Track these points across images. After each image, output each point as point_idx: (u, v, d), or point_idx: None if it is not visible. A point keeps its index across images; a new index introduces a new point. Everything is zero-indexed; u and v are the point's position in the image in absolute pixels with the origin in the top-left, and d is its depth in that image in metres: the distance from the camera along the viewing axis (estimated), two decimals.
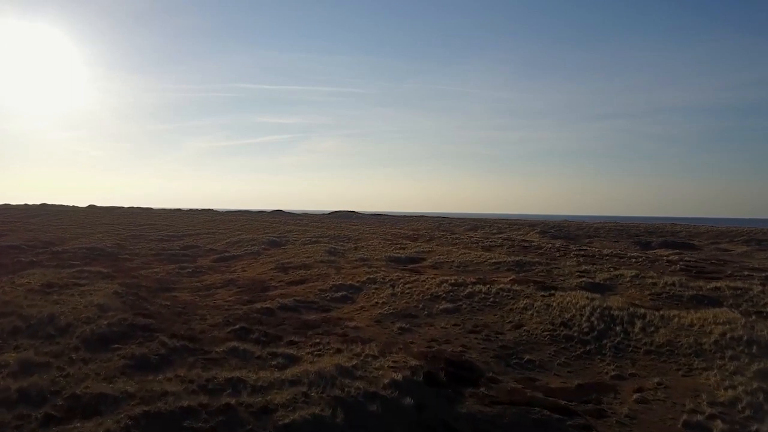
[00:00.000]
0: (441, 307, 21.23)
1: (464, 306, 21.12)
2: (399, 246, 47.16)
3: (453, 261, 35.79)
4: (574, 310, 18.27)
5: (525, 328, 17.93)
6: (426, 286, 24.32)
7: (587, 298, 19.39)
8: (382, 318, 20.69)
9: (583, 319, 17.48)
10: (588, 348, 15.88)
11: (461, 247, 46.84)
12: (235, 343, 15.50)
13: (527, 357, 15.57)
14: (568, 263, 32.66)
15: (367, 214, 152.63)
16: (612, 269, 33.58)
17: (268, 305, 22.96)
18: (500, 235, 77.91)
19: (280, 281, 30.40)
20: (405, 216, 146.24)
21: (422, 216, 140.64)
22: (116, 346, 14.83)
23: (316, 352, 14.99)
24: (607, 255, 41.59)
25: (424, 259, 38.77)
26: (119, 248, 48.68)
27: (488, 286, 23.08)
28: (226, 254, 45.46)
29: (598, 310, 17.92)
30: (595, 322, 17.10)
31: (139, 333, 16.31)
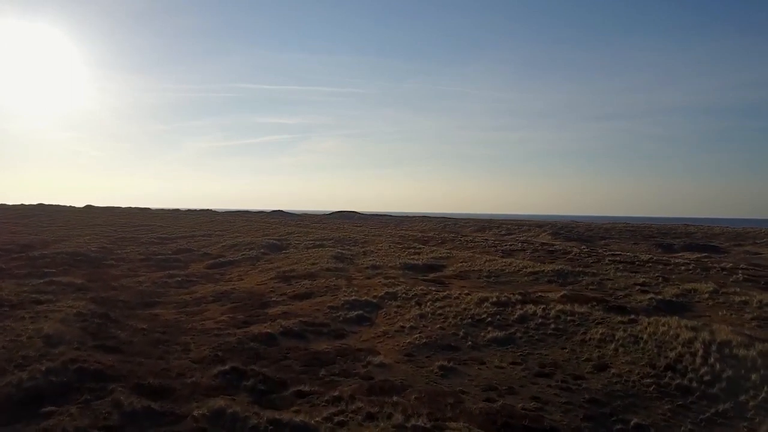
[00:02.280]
0: (488, 335, 16.63)
1: (518, 335, 16.53)
2: (412, 250, 42.53)
3: (480, 270, 31.17)
4: (678, 347, 13.57)
5: (613, 370, 13.31)
6: (462, 306, 19.74)
7: (688, 327, 14.67)
8: (413, 350, 16.12)
9: (697, 360, 12.78)
10: (721, 408, 11.20)
11: (480, 252, 42.27)
12: (221, 402, 10.93)
13: (634, 420, 10.99)
14: (618, 275, 28.07)
15: (369, 215, 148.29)
16: (662, 279, 29.19)
17: (267, 329, 18.44)
18: (511, 237, 73.21)
19: (281, 294, 25.85)
20: (407, 216, 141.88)
21: (424, 216, 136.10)
22: (49, 409, 10.25)
23: (336, 418, 10.43)
24: (648, 261, 36.99)
25: (445, 267, 34.17)
26: (105, 252, 44.28)
27: (542, 306, 18.48)
28: (222, 259, 41.02)
29: (713, 347, 13.21)
30: (717, 366, 12.37)
31: (89, 384, 11.71)
